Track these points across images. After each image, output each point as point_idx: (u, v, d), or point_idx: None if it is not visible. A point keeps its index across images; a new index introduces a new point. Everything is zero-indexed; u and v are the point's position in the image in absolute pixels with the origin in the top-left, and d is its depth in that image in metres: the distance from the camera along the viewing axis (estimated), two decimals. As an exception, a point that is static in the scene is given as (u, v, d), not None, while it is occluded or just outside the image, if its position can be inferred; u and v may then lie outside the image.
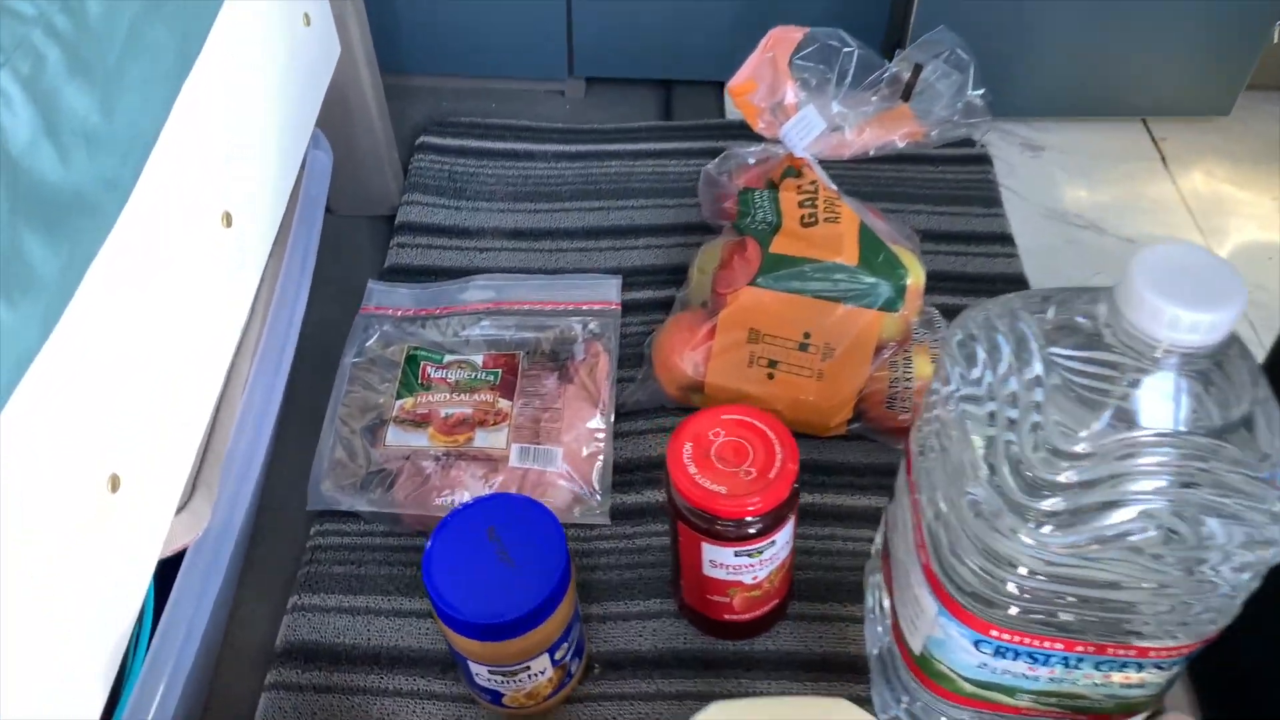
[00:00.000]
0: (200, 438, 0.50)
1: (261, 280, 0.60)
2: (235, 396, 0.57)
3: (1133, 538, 0.42)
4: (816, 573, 0.68)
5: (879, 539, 0.63)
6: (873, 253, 0.70)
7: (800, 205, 0.73)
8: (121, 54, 0.40)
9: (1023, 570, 0.45)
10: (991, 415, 0.45)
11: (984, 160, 0.99)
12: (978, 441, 0.45)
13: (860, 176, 0.95)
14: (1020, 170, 1.00)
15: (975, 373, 0.47)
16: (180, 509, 0.50)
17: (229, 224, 0.53)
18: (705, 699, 0.62)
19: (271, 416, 0.60)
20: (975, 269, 0.89)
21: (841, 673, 0.64)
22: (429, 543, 0.56)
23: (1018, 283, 0.88)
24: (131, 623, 0.45)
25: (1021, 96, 1.02)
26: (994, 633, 0.48)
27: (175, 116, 0.44)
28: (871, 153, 0.79)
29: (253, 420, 0.58)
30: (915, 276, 0.72)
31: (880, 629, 0.60)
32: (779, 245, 0.71)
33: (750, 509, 0.55)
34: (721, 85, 1.08)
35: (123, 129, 0.40)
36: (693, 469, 0.56)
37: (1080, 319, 0.45)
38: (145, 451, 0.44)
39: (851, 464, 0.74)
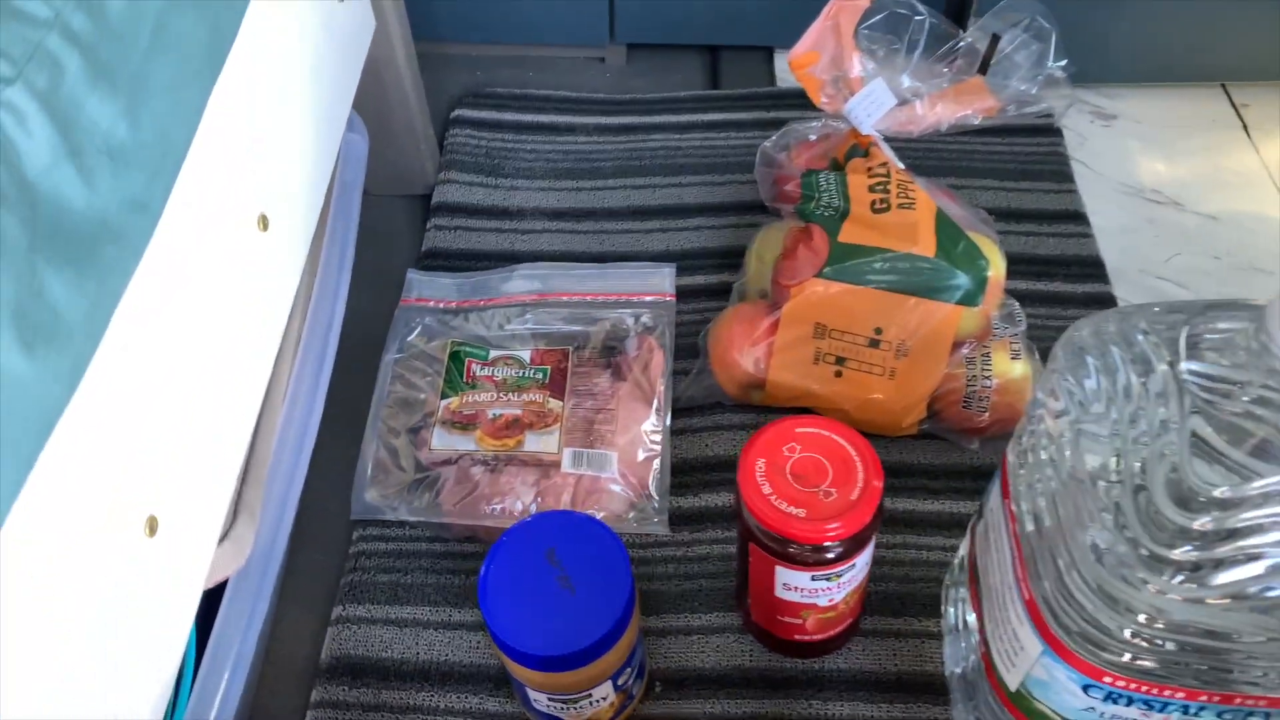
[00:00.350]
0: (240, 463, 0.47)
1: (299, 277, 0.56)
2: (274, 407, 0.53)
3: (1274, 592, 0.38)
4: (889, 584, 0.64)
5: (962, 551, 0.59)
6: (951, 242, 0.65)
7: (871, 190, 0.68)
8: (147, 54, 0.36)
9: (1142, 618, 0.41)
10: (1115, 449, 0.40)
11: (1053, 132, 0.93)
12: (1099, 478, 0.40)
13: (923, 150, 0.90)
14: (1092, 142, 0.94)
15: (1091, 397, 0.43)
16: (222, 537, 0.46)
17: (265, 227, 0.49)
18: (776, 725, 0.59)
19: (313, 429, 0.56)
20: (1048, 250, 0.83)
21: (918, 693, 0.60)
22: (484, 566, 0.52)
23: (1093, 265, 0.82)
24: (176, 666, 0.42)
25: (1091, 61, 0.95)
26: (1107, 679, 0.44)
27: (207, 121, 0.40)
28: (944, 129, 0.74)
29: (294, 434, 0.54)
30: (996, 267, 0.67)
31: (964, 647, 0.56)
32: (848, 234, 0.66)
33: (831, 534, 0.51)
34: (771, 51, 1.02)
35: (151, 141, 0.36)
36: (767, 488, 0.51)
37: (1218, 339, 0.40)
38: (183, 487, 0.41)
39: (923, 466, 0.70)
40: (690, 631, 0.63)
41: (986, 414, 0.67)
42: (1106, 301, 0.80)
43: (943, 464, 0.70)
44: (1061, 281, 0.81)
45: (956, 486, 0.69)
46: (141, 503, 0.38)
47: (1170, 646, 0.41)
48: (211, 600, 0.50)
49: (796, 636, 0.58)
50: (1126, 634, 0.42)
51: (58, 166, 0.32)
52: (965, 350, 0.66)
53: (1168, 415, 0.40)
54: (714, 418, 0.72)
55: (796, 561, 0.52)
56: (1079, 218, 0.86)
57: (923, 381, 0.66)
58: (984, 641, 0.52)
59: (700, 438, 0.72)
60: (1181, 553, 0.38)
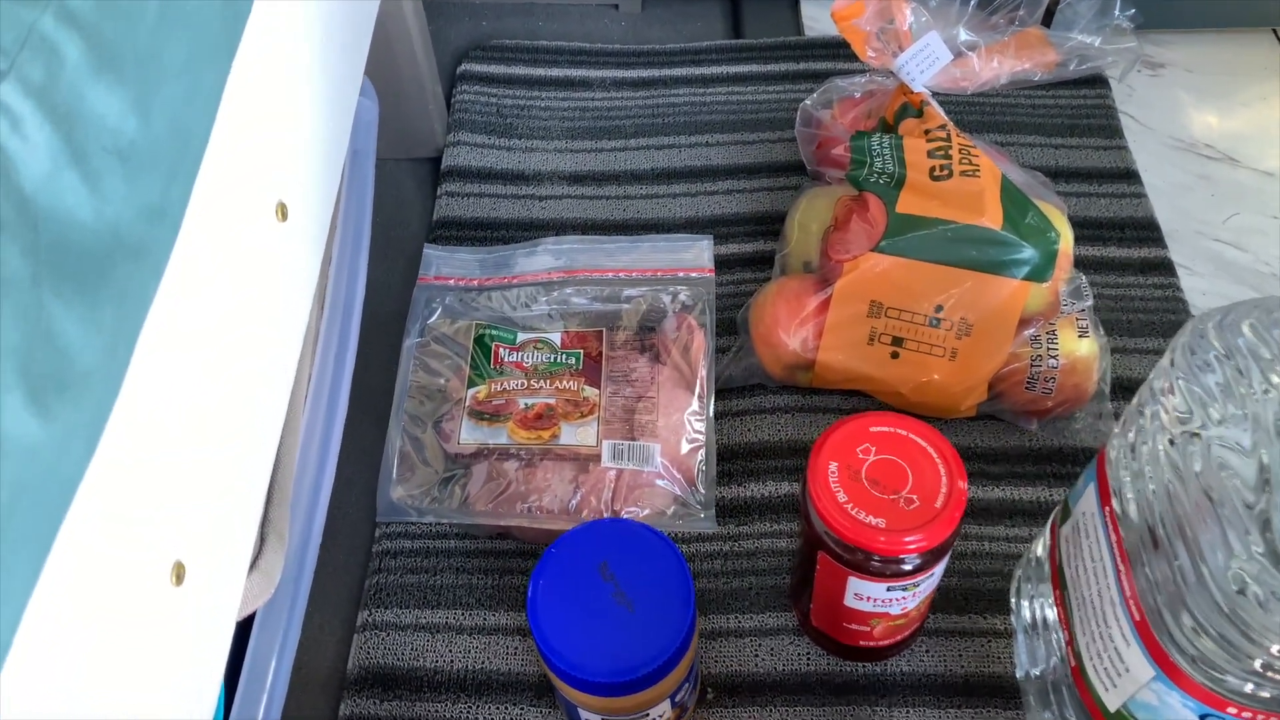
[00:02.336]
0: (266, 485, 0.42)
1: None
2: (295, 412, 0.48)
3: None
4: (951, 579, 0.60)
5: (1039, 550, 0.55)
6: (1019, 212, 0.61)
7: (930, 155, 0.63)
8: (155, 31, 0.30)
9: (1277, 649, 0.37)
10: (1260, 466, 0.36)
11: (1101, 83, 0.87)
12: (1240, 500, 0.36)
13: (963, 105, 0.84)
14: (1140, 93, 0.88)
15: (1222, 403, 0.38)
16: (249, 566, 0.42)
17: (284, 217, 0.43)
18: (844, 738, 0.55)
19: (337, 433, 0.51)
20: (1100, 212, 0.78)
21: (988, 696, 0.57)
22: (533, 582, 0.48)
23: (1148, 227, 0.78)
24: (211, 713, 0.38)
25: (1137, 5, 0.90)
26: (1231, 709, 0.40)
27: (225, 107, 0.34)
28: (1000, 85, 0.69)
29: (317, 442, 0.49)
30: (1065, 239, 0.62)
31: (1043, 648, 0.53)
32: (906, 203, 0.61)
33: (913, 546, 0.46)
34: (797, -2, 0.95)
35: (165, 136, 0.30)
36: (842, 496, 0.47)
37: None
38: (209, 524, 0.36)
39: (980, 449, 0.66)
40: (743, 633, 0.59)
41: (1052, 395, 0.63)
42: (1165, 267, 0.75)
43: (1001, 447, 0.66)
44: (1116, 246, 0.76)
45: (1017, 471, 0.65)
46: (167, 550, 0.33)
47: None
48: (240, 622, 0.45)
49: (862, 643, 0.55)
50: (1256, 664, 0.38)
51: (60, 175, 0.26)
52: (1031, 329, 0.62)
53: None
54: (756, 400, 0.68)
55: (872, 573, 0.48)
56: (1131, 176, 0.81)
57: (986, 362, 0.62)
58: (1074, 654, 0.48)
59: (742, 422, 0.67)
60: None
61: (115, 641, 0.31)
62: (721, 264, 0.74)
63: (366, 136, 0.63)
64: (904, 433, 0.49)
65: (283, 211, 0.43)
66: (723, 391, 0.67)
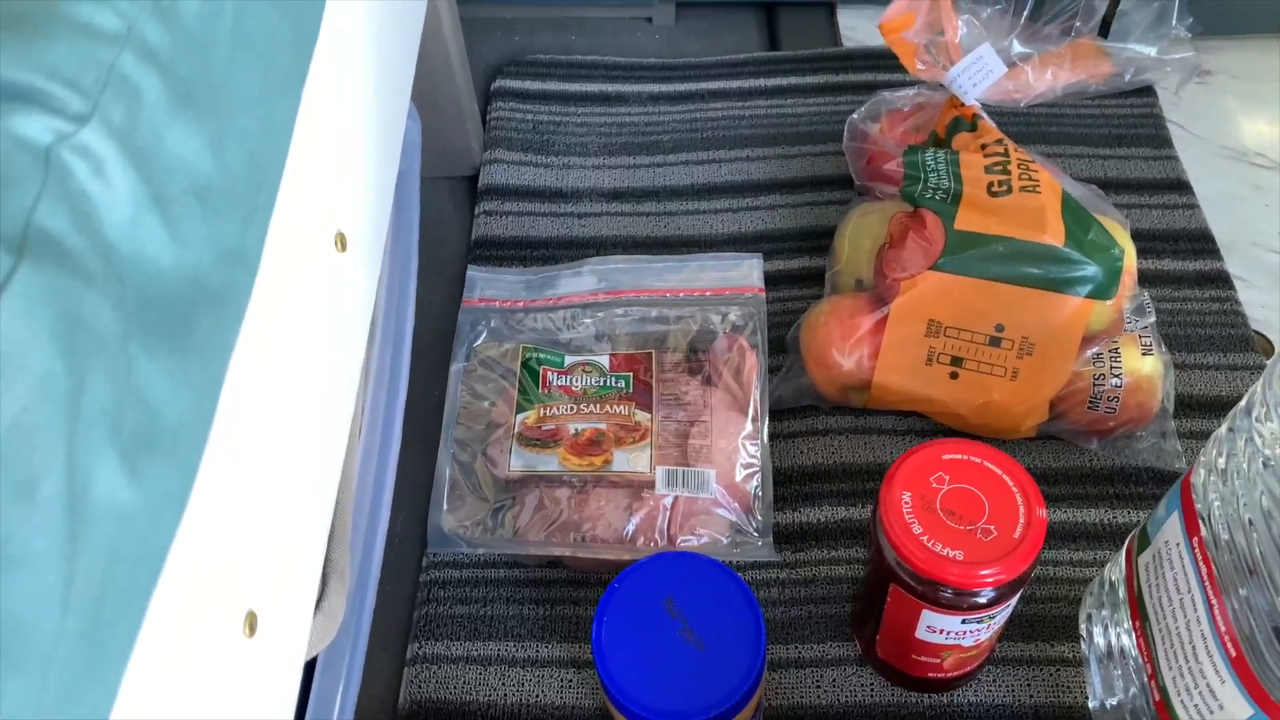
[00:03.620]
0: (329, 525, 0.41)
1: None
2: (352, 448, 0.47)
3: None
4: (1016, 605, 0.59)
5: (1112, 575, 0.53)
6: (1081, 228, 0.59)
7: (988, 170, 0.61)
8: (228, 63, 0.29)
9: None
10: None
11: (1147, 91, 0.85)
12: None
13: (1007, 116, 0.82)
14: (1187, 101, 0.87)
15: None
16: (314, 607, 0.40)
17: (344, 247, 0.42)
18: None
19: (392, 465, 0.50)
20: (1151, 224, 0.77)
21: (1058, 729, 0.55)
22: (597, 619, 0.47)
23: (1202, 239, 0.76)
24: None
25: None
26: (1340, 753, 0.38)
27: (297, 138, 0.33)
28: (1055, 97, 0.67)
29: (372, 478, 0.48)
30: (1129, 255, 0.60)
31: (1119, 678, 0.51)
32: (965, 220, 0.60)
33: (992, 579, 0.45)
34: (833, 7, 0.94)
35: (240, 173, 0.29)
36: (918, 528, 0.46)
37: None
38: (279, 572, 0.35)
39: (1040, 470, 0.64)
40: (803, 664, 0.58)
41: (1115, 415, 0.61)
42: (1222, 280, 0.73)
43: (1061, 467, 0.64)
44: (1170, 258, 0.75)
45: (1079, 493, 0.63)
46: (241, 601, 0.32)
47: None
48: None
49: (930, 674, 0.53)
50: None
51: (141, 220, 0.25)
52: (1094, 348, 0.60)
53: None
54: (809, 421, 0.67)
55: (948, 606, 0.47)
56: (1182, 186, 0.79)
57: (1048, 382, 0.60)
58: (1159, 688, 0.46)
59: (795, 444, 0.66)
60: None
61: (195, 698, 0.30)
62: (768, 281, 0.72)
63: (411, 158, 0.62)
64: (978, 460, 0.48)
65: (342, 242, 0.42)
66: (775, 413, 0.66)
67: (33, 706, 0.20)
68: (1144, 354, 0.61)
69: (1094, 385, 0.61)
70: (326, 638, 0.40)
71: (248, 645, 0.33)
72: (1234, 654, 0.40)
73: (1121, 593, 0.52)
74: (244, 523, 0.31)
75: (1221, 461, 0.42)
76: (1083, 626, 0.57)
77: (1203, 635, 0.42)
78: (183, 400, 0.26)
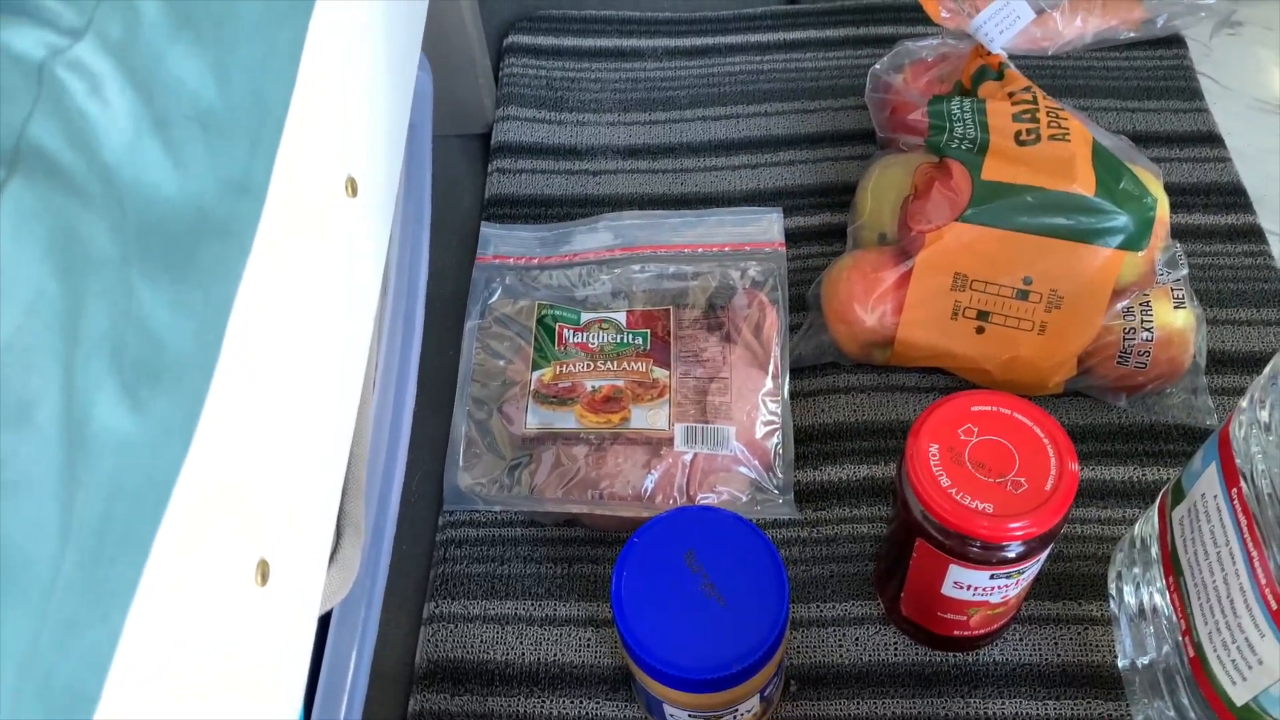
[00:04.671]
0: (343, 475, 0.40)
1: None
2: (366, 400, 0.46)
3: None
4: (1044, 563, 0.58)
5: (1142, 530, 0.52)
6: (1112, 177, 0.57)
7: (1015, 119, 0.59)
8: None
9: None
10: None
11: (1177, 42, 0.83)
12: None
13: (1033, 68, 0.81)
14: (1218, 53, 0.84)
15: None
16: (329, 560, 0.40)
17: (354, 192, 0.41)
18: (941, 733, 0.53)
19: (407, 421, 0.49)
20: (1182, 177, 0.75)
21: (1087, 687, 0.54)
22: (616, 573, 0.46)
23: (1235, 193, 0.74)
24: (297, 711, 0.36)
25: (1217, -41, 0.86)
26: (1385, 706, 0.37)
27: (303, 72, 0.32)
28: (1084, 45, 0.65)
29: (388, 430, 0.47)
30: (1162, 205, 0.58)
31: (1151, 636, 0.50)
32: (992, 170, 0.58)
33: (1022, 532, 0.44)
34: (853, -41, 0.91)
35: (244, 102, 0.28)
36: (945, 480, 0.44)
37: None
38: (292, 518, 0.34)
39: (1068, 428, 0.62)
40: (825, 623, 0.57)
41: (1145, 370, 0.60)
42: (1255, 234, 0.71)
43: (1089, 424, 0.63)
44: (1201, 213, 0.73)
45: (1106, 450, 0.62)
46: (252, 548, 0.31)
47: None
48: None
49: (956, 632, 0.52)
50: None
51: (141, 144, 0.24)
52: (1124, 300, 0.59)
53: None
54: (830, 379, 0.65)
55: (976, 561, 0.45)
56: (1214, 139, 0.77)
57: (1077, 336, 0.59)
58: (1193, 644, 0.45)
59: (815, 402, 0.64)
60: None
61: (204, 646, 0.29)
62: (787, 238, 0.71)
63: (423, 110, 0.61)
64: (1008, 412, 0.46)
65: (353, 187, 0.41)
66: (795, 371, 0.65)
67: (31, 639, 0.19)
68: (1176, 307, 0.60)
69: (1124, 339, 0.59)
70: (341, 591, 0.40)
71: (260, 594, 0.32)
72: (1275, 607, 0.39)
73: (1154, 550, 0.50)
74: (254, 464, 0.30)
75: (1264, 414, 0.41)
76: (1112, 585, 0.56)
77: (1241, 589, 0.41)
78: (186, 331, 0.24)
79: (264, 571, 0.32)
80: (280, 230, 0.30)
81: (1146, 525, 0.52)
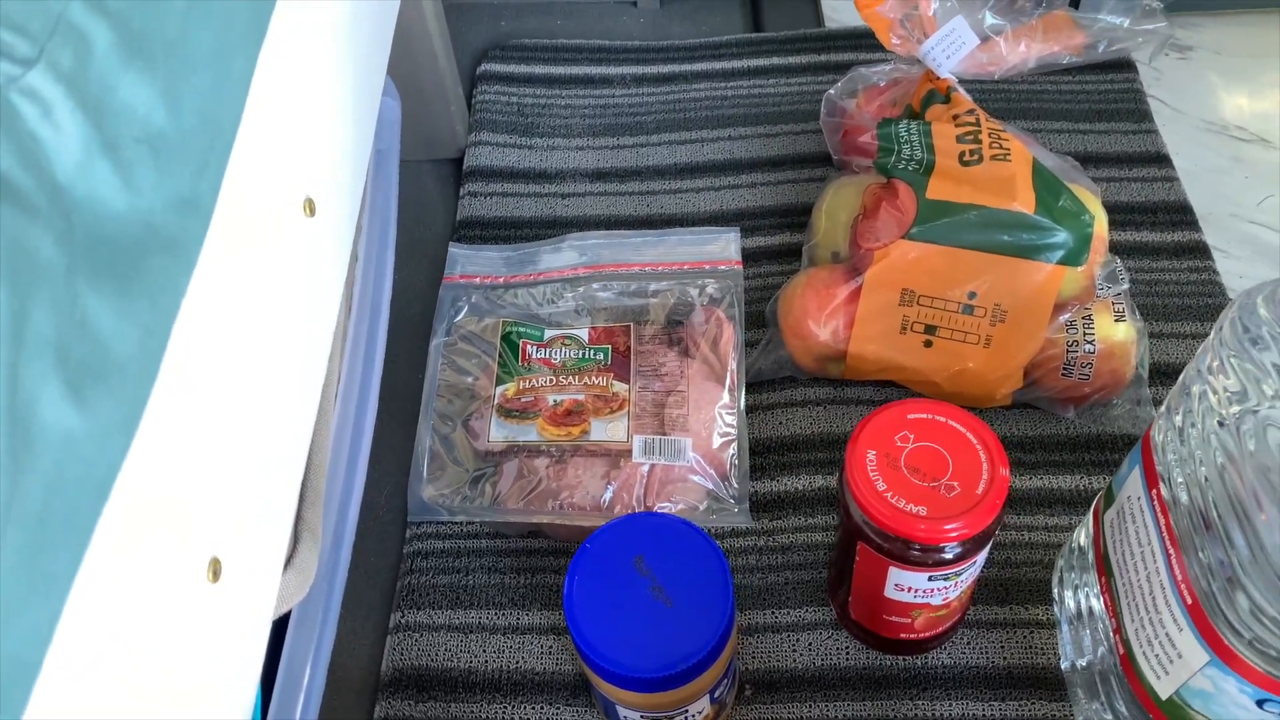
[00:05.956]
0: (300, 481, 0.41)
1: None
2: (326, 411, 0.48)
3: None
4: (991, 570, 0.59)
5: (1081, 538, 0.54)
6: (1052, 195, 0.60)
7: (959, 140, 0.62)
8: (183, 19, 0.30)
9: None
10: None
11: (1128, 67, 0.86)
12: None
13: (988, 92, 0.83)
14: (1169, 76, 0.87)
15: (1274, 376, 0.37)
16: (285, 564, 0.41)
17: (312, 212, 0.43)
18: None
19: (368, 432, 0.51)
20: (1130, 196, 0.77)
21: (1032, 688, 0.56)
22: (569, 578, 0.48)
23: (1181, 210, 0.76)
24: (249, 713, 0.37)
25: (1167, -13, 0.89)
26: (1291, 694, 0.39)
27: (253, 97, 0.34)
28: (1029, 70, 0.68)
29: (348, 441, 0.49)
30: (1100, 222, 0.61)
31: (1088, 638, 0.52)
32: (936, 189, 0.60)
33: (956, 534, 0.46)
34: (816, -12, 0.95)
35: (195, 127, 0.30)
36: (881, 485, 0.46)
37: None
38: (244, 519, 0.36)
39: (1016, 438, 0.65)
40: (779, 629, 0.58)
41: (1089, 381, 0.62)
42: (1200, 250, 0.74)
43: (1038, 435, 0.65)
44: (1149, 230, 0.75)
45: (1055, 460, 0.64)
46: (202, 545, 0.33)
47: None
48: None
49: (902, 635, 0.54)
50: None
51: (92, 164, 0.26)
52: (1066, 314, 0.61)
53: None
54: (787, 393, 0.67)
55: (914, 563, 0.47)
56: (1162, 159, 0.80)
57: (1021, 349, 0.61)
58: (1123, 642, 0.47)
59: (773, 415, 0.66)
60: None
61: (152, 640, 0.31)
62: (748, 257, 0.73)
63: (391, 135, 0.63)
64: (943, 419, 0.48)
65: (310, 207, 0.43)
66: (753, 385, 0.67)
67: None
68: (1117, 320, 0.62)
69: (1067, 352, 0.61)
70: (298, 594, 0.41)
71: (211, 591, 0.34)
72: (1190, 602, 0.41)
73: (1090, 555, 0.52)
74: (202, 464, 0.31)
75: (1178, 420, 0.43)
76: (1055, 590, 0.57)
77: (1162, 586, 0.43)
78: (130, 336, 0.26)
79: (216, 569, 0.34)
80: (229, 246, 0.32)
81: (1083, 531, 0.54)
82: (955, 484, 0.46)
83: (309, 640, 0.44)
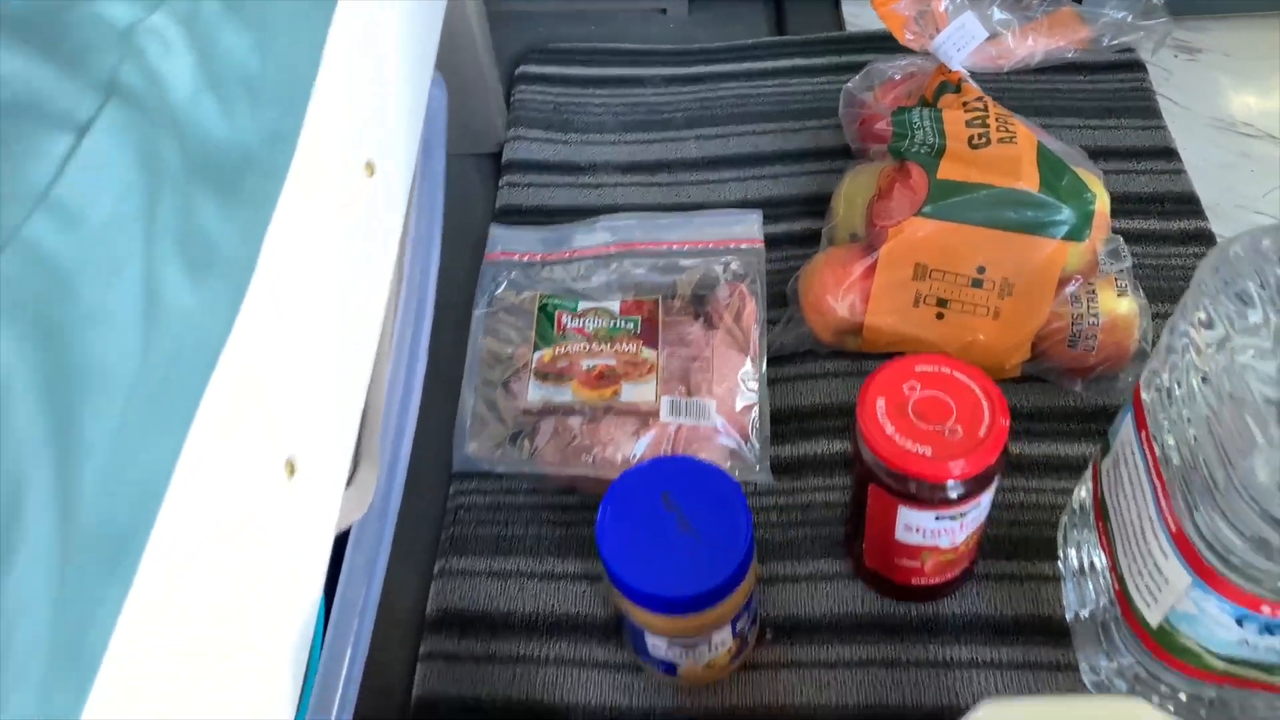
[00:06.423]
0: (362, 406, 0.46)
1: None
2: (383, 358, 0.53)
3: None
4: (1001, 529, 0.63)
5: (1082, 494, 0.57)
6: (1055, 175, 0.63)
7: (968, 124, 0.66)
8: None
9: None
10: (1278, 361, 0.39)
11: (1137, 67, 0.90)
12: (1261, 397, 0.39)
13: (1002, 89, 0.87)
14: (1177, 76, 0.91)
15: (1252, 318, 0.41)
16: (347, 483, 0.46)
17: (372, 174, 0.48)
18: (891, 666, 0.58)
19: (418, 381, 0.55)
20: (1140, 188, 0.81)
21: (1038, 636, 0.59)
22: (601, 510, 0.52)
23: (1188, 201, 0.80)
24: (315, 614, 0.42)
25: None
26: (1265, 609, 0.42)
27: (326, 57, 0.39)
28: (1035, 63, 0.72)
29: (401, 385, 0.53)
30: (1101, 200, 0.65)
31: (1090, 590, 0.55)
32: (947, 170, 0.64)
33: (958, 472, 0.49)
34: (838, -3, 0.99)
35: (281, 75, 0.35)
36: (890, 428, 0.50)
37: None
38: (318, 427, 0.40)
39: (1026, 409, 0.68)
40: (798, 579, 0.62)
41: (1094, 353, 0.65)
42: (1206, 238, 0.77)
43: (1046, 407, 0.68)
44: (1157, 219, 0.79)
45: (1062, 429, 0.67)
46: (282, 443, 0.37)
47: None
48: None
49: (914, 581, 0.57)
50: (1290, 560, 0.40)
51: (200, 96, 0.31)
52: (1071, 287, 0.64)
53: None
54: (807, 366, 0.71)
55: (920, 501, 0.51)
56: (1170, 154, 0.83)
57: (1028, 321, 0.65)
58: (1118, 580, 0.50)
59: (794, 386, 0.70)
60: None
61: (232, 525, 0.35)
62: (771, 242, 0.77)
63: (438, 123, 0.68)
64: (948, 371, 0.52)
65: (370, 169, 0.48)
66: (774, 359, 0.71)
67: (112, 434, 0.25)
68: (1119, 294, 0.65)
69: (1073, 325, 0.65)
70: (358, 511, 0.46)
71: (287, 487, 0.38)
72: (1174, 530, 0.44)
73: (1090, 513, 0.55)
74: (284, 362, 0.36)
75: (1165, 378, 0.46)
76: (1060, 549, 0.61)
77: (1150, 519, 0.46)
78: (232, 237, 0.31)
79: (292, 467, 0.38)
80: (307, 179, 0.37)
81: (1084, 488, 0.57)
82: (959, 428, 0.50)
83: (367, 562, 0.48)
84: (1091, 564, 0.56)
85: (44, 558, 0.23)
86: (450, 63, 0.81)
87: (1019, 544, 0.62)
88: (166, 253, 0.28)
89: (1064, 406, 0.68)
